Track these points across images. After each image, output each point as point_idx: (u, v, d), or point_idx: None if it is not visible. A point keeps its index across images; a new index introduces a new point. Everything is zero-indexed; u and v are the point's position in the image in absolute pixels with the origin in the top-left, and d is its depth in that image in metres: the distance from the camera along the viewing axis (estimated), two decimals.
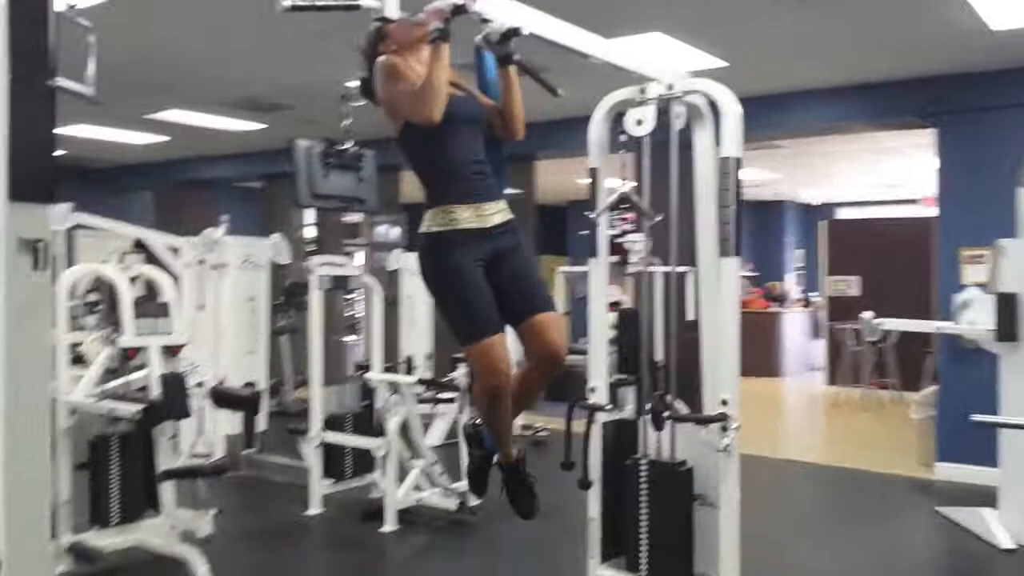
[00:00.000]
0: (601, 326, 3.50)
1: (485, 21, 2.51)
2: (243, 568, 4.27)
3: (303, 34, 5.35)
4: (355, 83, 2.75)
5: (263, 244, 6.26)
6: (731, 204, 3.18)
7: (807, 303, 13.73)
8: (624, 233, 7.52)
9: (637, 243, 7.10)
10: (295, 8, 2.13)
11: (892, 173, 11.28)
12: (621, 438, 3.44)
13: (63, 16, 1.86)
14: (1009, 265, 4.60)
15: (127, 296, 4.07)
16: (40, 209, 1.36)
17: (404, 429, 4.89)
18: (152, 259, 6.58)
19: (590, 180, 3.46)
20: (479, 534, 4.82)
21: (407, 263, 7.31)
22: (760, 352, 12.31)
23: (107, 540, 4.05)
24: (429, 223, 2.60)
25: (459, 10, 2.31)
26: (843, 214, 14.76)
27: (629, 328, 7.35)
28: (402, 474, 4.95)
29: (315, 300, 5.15)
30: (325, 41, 5.40)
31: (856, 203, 14.47)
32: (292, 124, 7.78)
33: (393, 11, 2.19)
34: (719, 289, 3.29)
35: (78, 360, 4.36)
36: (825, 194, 14.12)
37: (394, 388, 4.84)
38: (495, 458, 2.87)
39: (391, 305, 7.73)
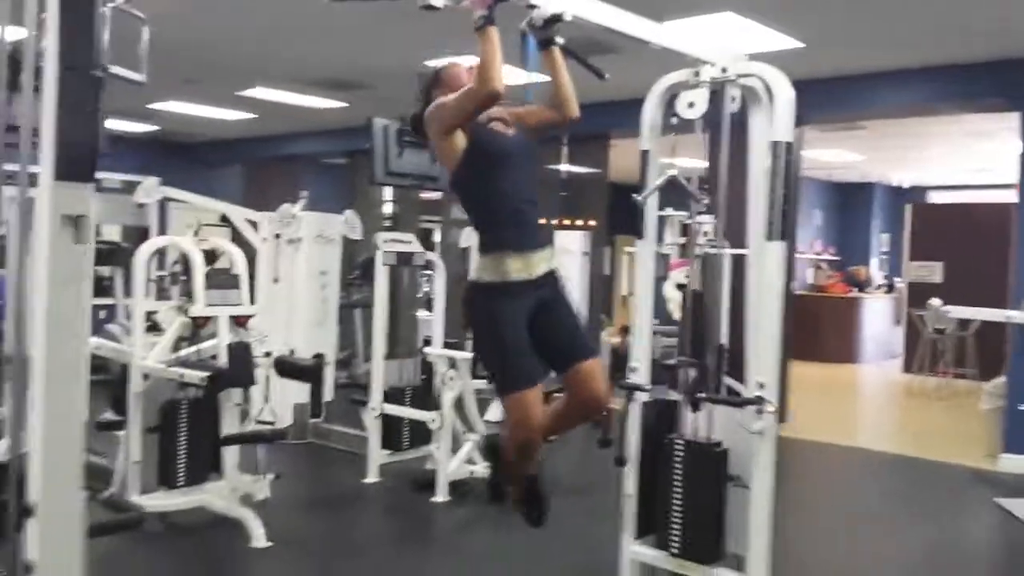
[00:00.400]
0: (647, 308, 3.54)
1: (531, 7, 2.59)
2: (297, 530, 4.46)
3: (382, 16, 5.48)
4: (409, 116, 2.89)
5: (336, 219, 6.45)
6: (779, 189, 3.15)
7: (891, 288, 13.37)
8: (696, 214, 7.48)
9: (705, 224, 7.07)
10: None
11: (984, 156, 10.85)
12: (661, 418, 3.48)
13: (118, 9, 2.02)
14: None
15: (199, 267, 4.28)
16: (82, 188, 1.51)
17: (459, 403, 5.02)
18: (237, 232, 6.88)
19: (641, 162, 3.49)
20: None
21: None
22: (838, 338, 12.09)
23: (173, 500, 4.30)
24: (481, 272, 2.71)
25: None
26: (935, 198, 14.27)
27: (694, 310, 7.34)
28: (456, 447, 5.09)
29: (380, 275, 5.30)
30: (403, 23, 5.53)
31: (948, 187, 13.96)
32: (373, 103, 7.96)
33: (439, 0, 2.27)
34: (762, 273, 3.26)
35: (155, 328, 4.60)
36: (915, 177, 13.67)
37: (451, 363, 4.97)
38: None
39: (462, 281, 7.89)
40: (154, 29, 6.44)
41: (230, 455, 4.31)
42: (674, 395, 3.88)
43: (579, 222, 8.67)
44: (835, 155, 10.93)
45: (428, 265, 5.57)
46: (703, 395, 3.26)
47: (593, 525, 4.46)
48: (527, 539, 4.53)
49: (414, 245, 5.37)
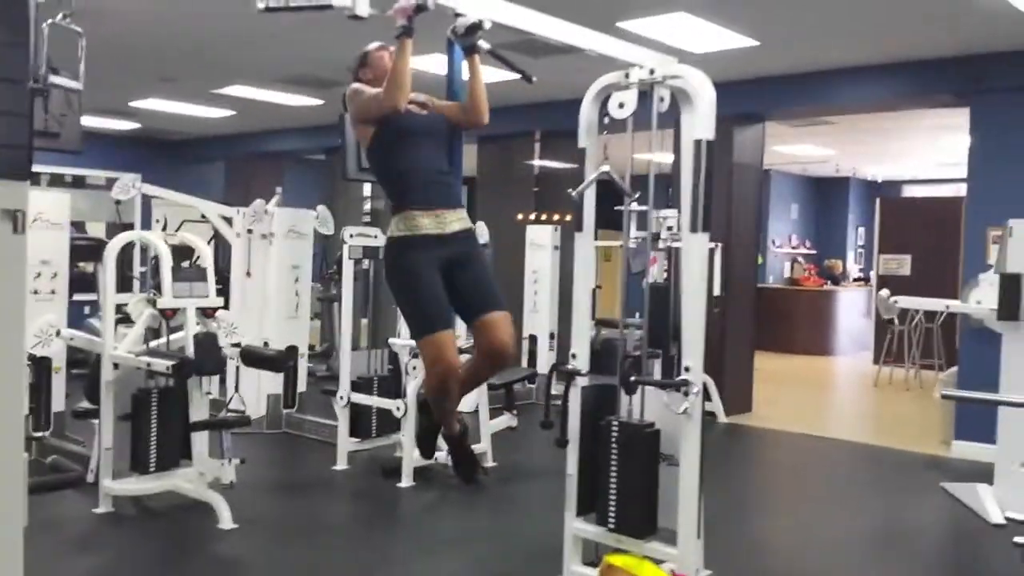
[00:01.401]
0: (585, 298, 3.73)
1: (459, 15, 2.79)
2: (264, 513, 4.65)
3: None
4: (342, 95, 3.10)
5: (309, 215, 6.63)
6: (700, 184, 3.34)
7: (866, 281, 13.61)
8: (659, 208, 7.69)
9: (668, 219, 7.28)
10: (268, 10, 2.42)
11: (952, 151, 11.07)
12: (601, 402, 3.68)
13: (57, 25, 2.21)
14: (1016, 245, 4.65)
15: (166, 261, 4.47)
16: (19, 185, 1.69)
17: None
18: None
19: (579, 159, 3.68)
20: (489, 492, 5.13)
21: None
22: (812, 331, 12.32)
23: (145, 485, 4.49)
24: (393, 229, 2.94)
25: (420, 8, 2.60)
26: (909, 192, 14.51)
27: (657, 302, 7.55)
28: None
29: (347, 269, 5.50)
30: (376, 22, 5.68)
31: (920, 181, 14.20)
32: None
33: (363, 10, 2.45)
34: (687, 264, 3.46)
35: (126, 320, 4.77)
36: (888, 171, 13.90)
37: (414, 353, 5.15)
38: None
39: None
40: (129, 28, 6.61)
41: (199, 442, 4.49)
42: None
43: (555, 216, 8.84)
44: (805, 150, 11.14)
45: None
46: (633, 378, 3.44)
47: (553, 507, 4.67)
48: (488, 521, 4.77)
49: (379, 239, 5.54)
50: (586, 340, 3.70)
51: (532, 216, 8.86)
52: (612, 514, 3.48)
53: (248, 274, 6.50)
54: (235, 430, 4.59)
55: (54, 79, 2.23)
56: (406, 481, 5.11)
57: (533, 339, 7.90)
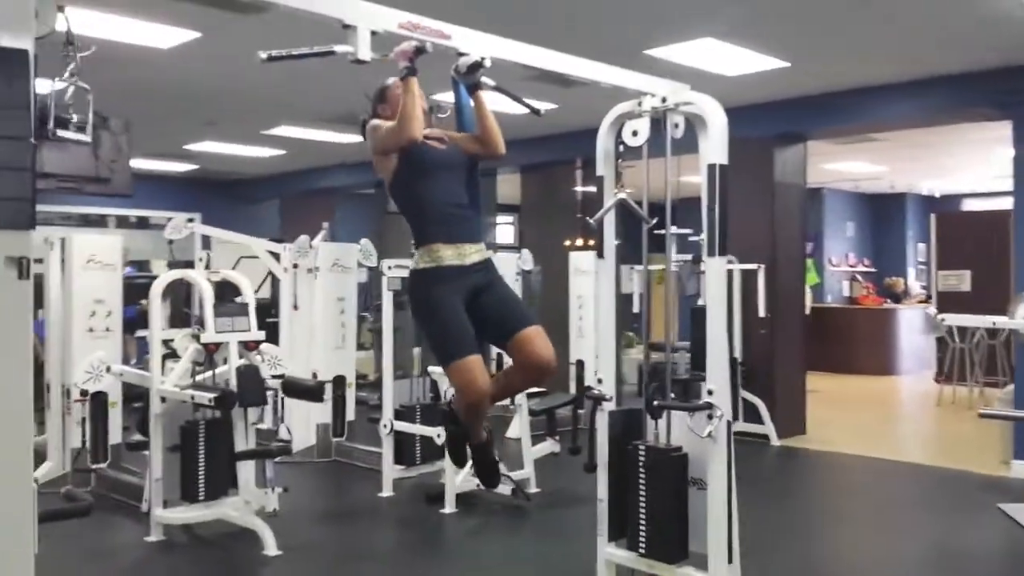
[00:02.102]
0: (608, 321, 3.76)
1: (462, 54, 2.89)
2: (309, 540, 4.76)
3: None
4: (360, 122, 3.20)
5: (353, 248, 6.78)
6: (716, 207, 3.36)
7: (928, 299, 13.29)
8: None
9: None
10: (271, 59, 2.54)
11: (1006, 164, 10.82)
12: (628, 426, 3.70)
13: (69, 80, 2.36)
14: None
15: (208, 297, 4.63)
16: (23, 234, 1.81)
17: None
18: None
19: (597, 187, 3.74)
20: (531, 518, 5.17)
21: (497, 264, 7.72)
22: (873, 350, 12.09)
23: (194, 513, 4.64)
24: (417, 261, 3.01)
25: (420, 51, 2.71)
26: (969, 206, 14.18)
27: (701, 325, 7.51)
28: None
29: (386, 301, 5.61)
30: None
31: (980, 194, 13.86)
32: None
33: (365, 55, 2.56)
34: (708, 287, 3.47)
35: (173, 355, 4.96)
36: (946, 186, 13.61)
37: None
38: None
39: None
40: (177, 75, 6.87)
41: (244, 471, 4.62)
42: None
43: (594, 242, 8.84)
44: (855, 167, 11.00)
45: None
46: (656, 402, 3.45)
47: (594, 533, 4.68)
48: (530, 547, 4.80)
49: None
50: (612, 365, 3.73)
51: (579, 242, 8.91)
52: (643, 539, 3.48)
53: (295, 307, 6.67)
54: (280, 459, 4.72)
55: (61, 133, 2.37)
56: (449, 507, 5.17)
57: (580, 364, 7.90)
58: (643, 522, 3.50)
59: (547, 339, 3.17)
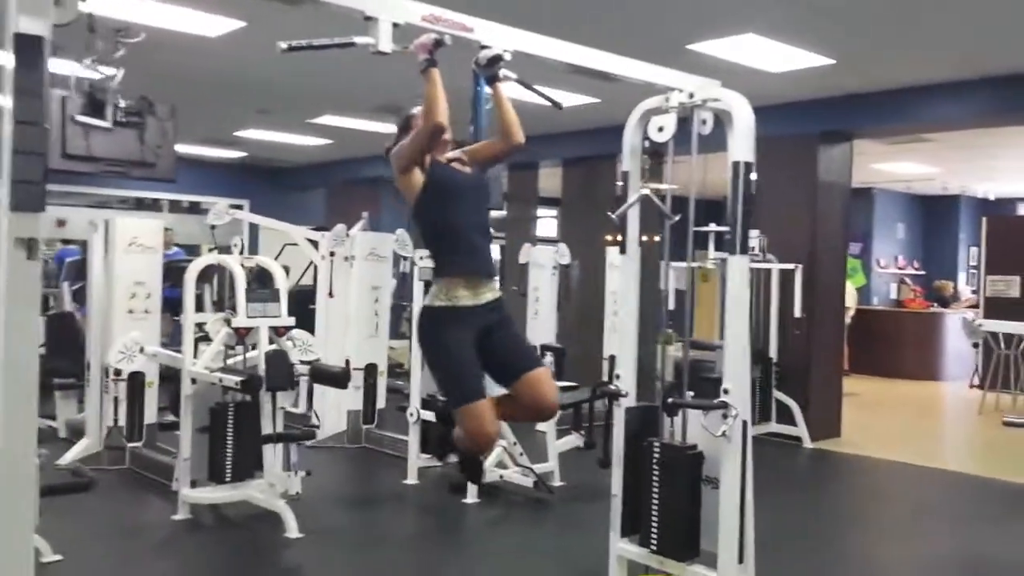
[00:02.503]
0: (631, 318, 3.75)
1: (484, 47, 2.90)
2: (331, 525, 4.82)
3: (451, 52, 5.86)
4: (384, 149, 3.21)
5: (389, 238, 6.84)
6: (739, 206, 3.33)
7: (978, 304, 12.99)
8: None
9: (750, 239, 7.18)
10: (292, 49, 2.58)
11: None
12: (645, 423, 3.69)
13: (90, 66, 2.43)
14: None
15: (241, 282, 4.71)
16: (32, 216, 1.87)
17: None
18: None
19: (621, 182, 3.72)
20: (553, 511, 5.18)
21: (536, 257, 7.73)
22: (918, 354, 11.87)
23: (220, 494, 4.73)
24: (433, 298, 3.01)
25: (439, 43, 2.73)
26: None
27: None
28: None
29: (417, 291, 5.65)
30: (455, 50, 5.88)
31: None
32: (454, 127, 8.40)
33: (386, 46, 2.58)
34: (729, 286, 3.43)
35: (206, 338, 5.06)
36: (1001, 188, 13.26)
37: None
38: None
39: (522, 296, 8.20)
40: (227, 63, 7.00)
41: (270, 454, 4.70)
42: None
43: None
44: (906, 167, 10.78)
45: None
46: (671, 400, 3.43)
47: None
48: (548, 539, 4.82)
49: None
50: (631, 361, 3.72)
51: (617, 237, 8.84)
52: (654, 535, 3.48)
53: (331, 295, 6.75)
54: (310, 443, 4.78)
55: (80, 118, 2.44)
56: (472, 497, 5.20)
57: (613, 359, 7.87)
58: (655, 519, 3.49)
59: (553, 382, 3.20)
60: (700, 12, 5.09)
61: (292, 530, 4.46)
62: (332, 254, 6.75)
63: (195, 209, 12.98)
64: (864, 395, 9.82)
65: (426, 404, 5.62)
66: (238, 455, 4.72)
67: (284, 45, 2.58)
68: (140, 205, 14.15)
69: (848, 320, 11.78)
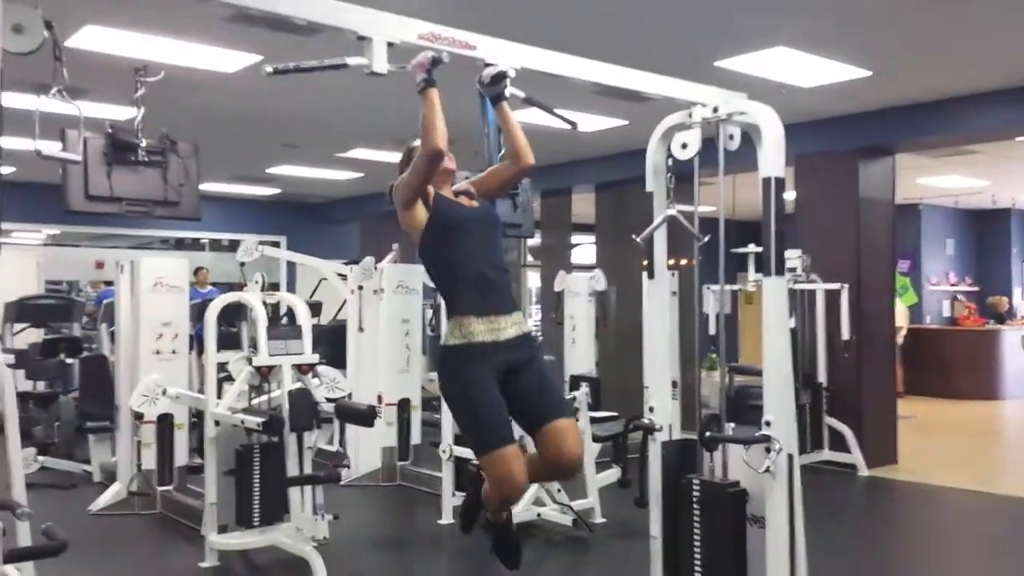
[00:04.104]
0: (662, 346, 3.54)
1: (488, 65, 2.75)
2: (362, 570, 4.65)
3: (464, 76, 5.76)
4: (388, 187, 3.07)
5: (418, 270, 6.71)
6: (771, 224, 3.12)
7: None
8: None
9: (790, 260, 6.93)
10: (277, 72, 2.45)
11: None
12: (684, 457, 3.47)
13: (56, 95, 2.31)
14: None
15: (262, 320, 4.59)
16: None
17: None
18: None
19: (648, 203, 3.53)
20: (593, 551, 4.94)
21: (571, 284, 7.56)
22: (974, 373, 11.43)
23: (248, 539, 4.58)
24: (447, 336, 2.83)
25: (437, 62, 2.58)
26: None
27: None
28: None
29: (444, 324, 5.49)
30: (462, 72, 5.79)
31: None
32: (463, 157, 8.29)
33: (381, 67, 2.45)
34: (765, 309, 3.21)
35: (229, 378, 4.93)
36: None
37: None
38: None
39: (558, 325, 8.01)
40: (253, 101, 6.97)
41: (296, 496, 4.54)
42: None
43: (671, 261, 8.60)
44: (953, 181, 10.43)
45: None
46: (708, 433, 3.21)
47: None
48: None
49: None
50: (665, 392, 3.51)
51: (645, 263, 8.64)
52: None
53: (361, 329, 6.62)
54: (345, 483, 4.62)
55: (49, 152, 2.32)
56: None
57: None
58: (697, 562, 3.26)
59: (579, 435, 2.99)
60: (726, 27, 4.91)
61: None
62: (360, 288, 6.63)
63: (234, 247, 13.03)
64: (920, 417, 9.42)
65: (459, 440, 5.44)
66: (265, 498, 4.58)
67: (269, 68, 2.45)
68: (181, 245, 14.28)
69: (900, 340, 11.42)
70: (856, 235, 7.07)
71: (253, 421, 4.27)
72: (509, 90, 2.78)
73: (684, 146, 3.27)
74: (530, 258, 12.30)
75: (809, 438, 6.89)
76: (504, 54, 2.71)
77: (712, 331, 7.66)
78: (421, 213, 2.86)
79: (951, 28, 4.97)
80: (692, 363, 6.42)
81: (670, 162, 3.38)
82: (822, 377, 7.05)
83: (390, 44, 2.46)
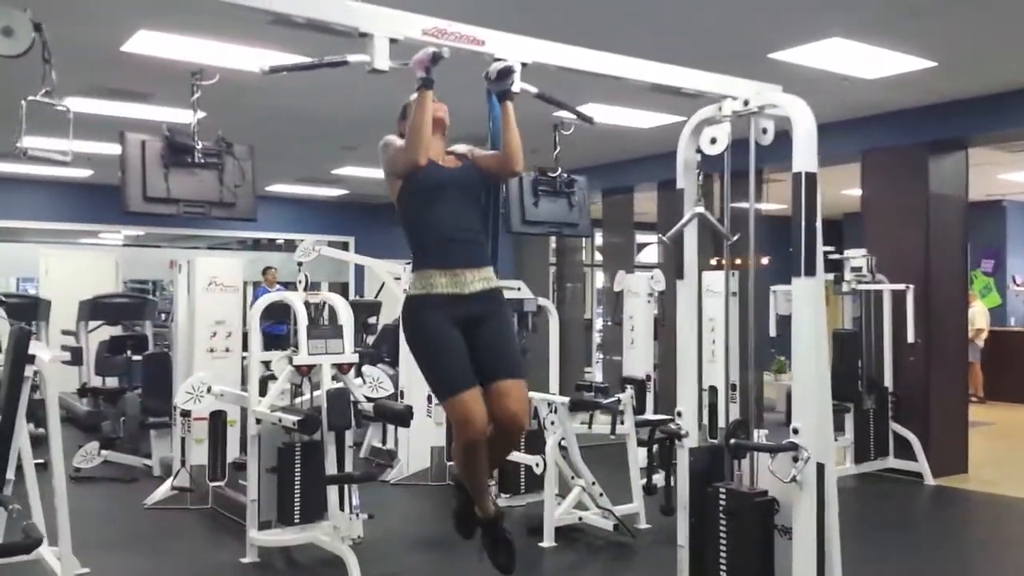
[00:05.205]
0: (691, 347, 3.43)
1: (496, 60, 2.69)
2: (399, 570, 4.64)
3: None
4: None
5: None
6: (802, 221, 2.98)
7: None
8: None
9: (853, 260, 6.68)
10: (273, 71, 2.43)
11: None
12: (713, 464, 3.35)
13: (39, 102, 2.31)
14: None
15: (303, 319, 4.63)
16: None
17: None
18: None
19: (678, 201, 3.43)
20: (635, 557, 4.84)
21: (630, 284, 7.45)
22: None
23: (287, 536, 4.62)
24: (410, 287, 2.84)
25: (437, 58, 2.52)
26: None
27: (845, 351, 6.91)
28: (567, 492, 5.11)
29: None
30: (534, 76, 5.72)
31: None
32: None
33: (382, 64, 2.42)
34: (795, 312, 3.08)
35: (273, 377, 4.99)
36: None
37: (551, 407, 5.00)
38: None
39: (617, 325, 7.89)
40: (310, 102, 7.01)
41: (333, 495, 4.56)
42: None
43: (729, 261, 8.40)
44: (1019, 177, 9.93)
45: (539, 311, 5.65)
46: (735, 441, 3.10)
47: None
48: None
49: (523, 291, 5.48)
50: (693, 397, 3.40)
51: (711, 261, 8.45)
52: None
53: None
54: (394, 482, 4.61)
55: (36, 152, 2.35)
56: (548, 540, 4.93)
57: (713, 390, 7.46)
58: (724, 572, 3.15)
59: (525, 396, 2.92)
60: (777, 17, 4.74)
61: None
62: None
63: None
64: (998, 425, 8.98)
65: None
66: (306, 496, 4.62)
67: (266, 67, 2.44)
68: (257, 246, 14.61)
69: (981, 343, 10.92)
70: (925, 234, 6.77)
71: (289, 420, 4.30)
72: (519, 85, 2.71)
73: (713, 141, 3.17)
74: (598, 256, 12.18)
75: (873, 445, 6.63)
76: (514, 48, 2.63)
77: (772, 333, 7.46)
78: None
79: (1015, 15, 4.70)
80: (749, 366, 6.25)
81: (698, 157, 3.27)
82: (888, 382, 6.78)
83: (393, 40, 2.42)
